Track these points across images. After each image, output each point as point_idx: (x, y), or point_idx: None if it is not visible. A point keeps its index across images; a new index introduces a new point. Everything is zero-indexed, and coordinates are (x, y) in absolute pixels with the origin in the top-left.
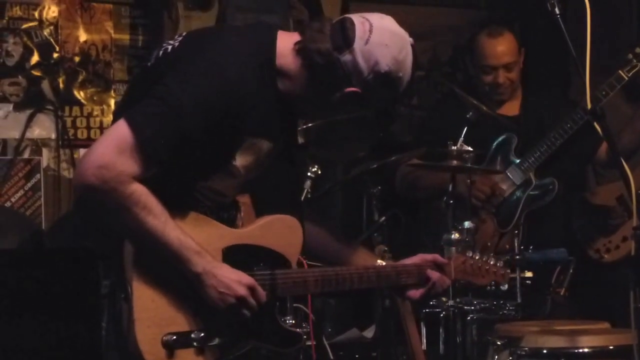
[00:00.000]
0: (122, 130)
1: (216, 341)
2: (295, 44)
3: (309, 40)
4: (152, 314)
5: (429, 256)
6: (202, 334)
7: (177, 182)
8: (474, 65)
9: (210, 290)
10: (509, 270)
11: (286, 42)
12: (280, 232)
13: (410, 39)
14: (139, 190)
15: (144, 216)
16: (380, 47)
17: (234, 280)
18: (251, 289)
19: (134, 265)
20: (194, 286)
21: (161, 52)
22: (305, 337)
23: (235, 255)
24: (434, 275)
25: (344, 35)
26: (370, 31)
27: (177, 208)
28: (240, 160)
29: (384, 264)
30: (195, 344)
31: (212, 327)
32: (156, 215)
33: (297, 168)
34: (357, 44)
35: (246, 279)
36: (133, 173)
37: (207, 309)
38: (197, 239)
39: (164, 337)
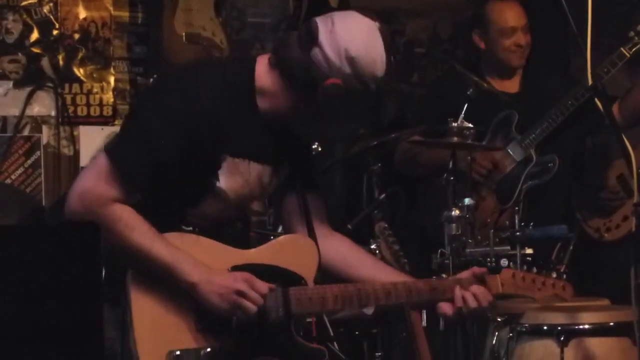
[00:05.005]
0: (100, 160)
1: (225, 358)
2: (268, 59)
3: (279, 50)
4: (154, 332)
5: (466, 272)
6: (209, 350)
7: (167, 208)
8: (489, 34)
9: (210, 296)
10: (569, 284)
11: (264, 63)
12: (292, 251)
13: (377, 23)
14: (120, 210)
15: (129, 233)
16: (345, 34)
17: (230, 280)
18: (249, 282)
19: (133, 286)
20: (193, 299)
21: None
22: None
23: None
24: (459, 291)
25: (309, 34)
26: (333, 23)
27: (175, 233)
28: (226, 182)
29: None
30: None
31: (220, 345)
32: (142, 232)
33: (315, 190)
34: (322, 37)
35: (241, 274)
36: (112, 196)
37: (214, 325)
38: (201, 260)
39: (168, 354)
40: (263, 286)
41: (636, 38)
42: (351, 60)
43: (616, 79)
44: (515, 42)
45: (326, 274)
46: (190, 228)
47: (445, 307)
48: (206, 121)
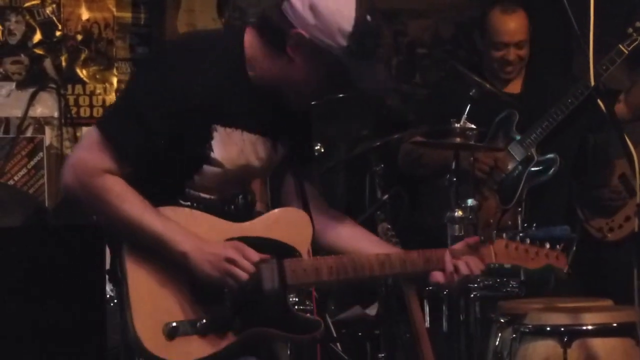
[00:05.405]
0: (91, 132)
1: (221, 329)
2: (252, 26)
3: (259, 13)
4: (150, 304)
5: (460, 243)
6: (204, 321)
7: (163, 182)
8: (484, 40)
9: (201, 264)
10: (565, 254)
11: (250, 31)
12: (286, 224)
13: None
14: (111, 180)
15: (119, 204)
16: None
17: (220, 248)
18: (239, 250)
19: (128, 259)
20: (185, 268)
21: None
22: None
23: None
24: (449, 258)
25: None
26: None
27: (169, 207)
28: (220, 153)
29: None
30: (197, 331)
31: (215, 315)
32: (132, 203)
33: (310, 167)
34: None
35: (232, 242)
36: (104, 167)
37: (210, 297)
38: (195, 233)
39: (164, 326)
40: (254, 254)
41: (634, 35)
42: (314, 8)
43: (615, 76)
44: (503, 57)
45: (319, 248)
46: (189, 203)
47: (438, 276)
48: (196, 92)
